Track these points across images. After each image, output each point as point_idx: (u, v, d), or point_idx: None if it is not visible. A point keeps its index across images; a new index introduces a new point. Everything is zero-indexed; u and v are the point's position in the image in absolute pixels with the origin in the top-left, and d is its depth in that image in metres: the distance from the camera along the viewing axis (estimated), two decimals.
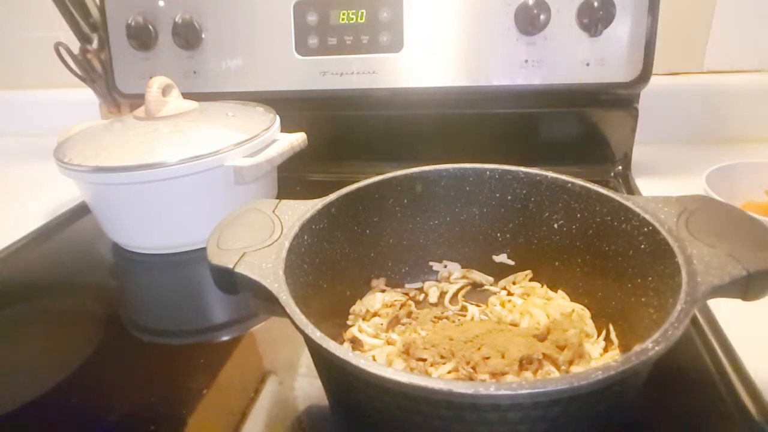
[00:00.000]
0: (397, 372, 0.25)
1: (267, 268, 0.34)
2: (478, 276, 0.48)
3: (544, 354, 0.35)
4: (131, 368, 0.45)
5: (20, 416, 0.40)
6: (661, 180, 0.71)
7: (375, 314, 0.44)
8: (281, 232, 0.38)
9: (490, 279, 0.48)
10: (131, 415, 0.39)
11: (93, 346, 0.48)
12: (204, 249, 0.36)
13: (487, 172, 0.45)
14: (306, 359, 0.42)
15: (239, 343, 0.46)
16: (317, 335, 0.28)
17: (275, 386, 0.40)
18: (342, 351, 0.27)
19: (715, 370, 0.39)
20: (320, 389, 0.39)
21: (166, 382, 0.42)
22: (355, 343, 0.41)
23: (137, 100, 0.70)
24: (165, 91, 0.62)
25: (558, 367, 0.35)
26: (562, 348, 0.36)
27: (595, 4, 0.63)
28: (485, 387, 0.24)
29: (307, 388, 0.40)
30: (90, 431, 0.39)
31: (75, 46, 0.84)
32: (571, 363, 0.35)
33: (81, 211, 0.71)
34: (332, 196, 0.42)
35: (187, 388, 0.41)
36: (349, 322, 0.44)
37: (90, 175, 0.56)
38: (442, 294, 0.47)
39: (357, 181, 0.44)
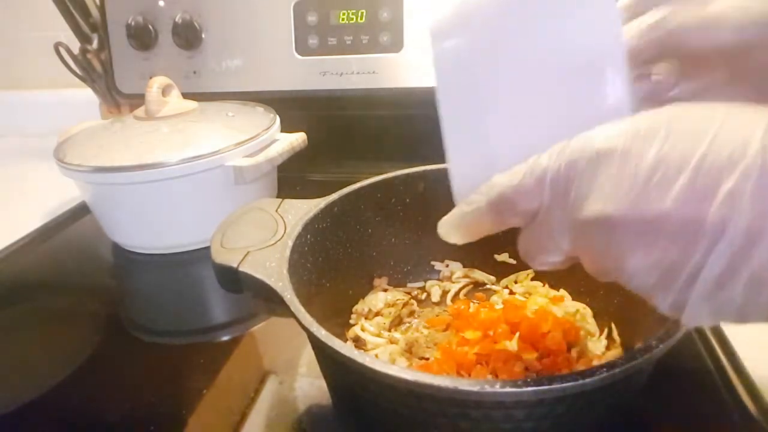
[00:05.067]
0: (403, 369, 0.25)
1: (271, 267, 0.34)
2: (479, 275, 0.48)
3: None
4: (131, 368, 0.45)
5: (20, 416, 0.40)
6: None
7: (377, 313, 0.44)
8: (284, 231, 0.38)
9: (492, 278, 0.48)
10: (131, 415, 0.39)
11: (93, 346, 0.47)
12: (204, 249, 0.36)
13: None
14: (306, 359, 0.42)
15: (239, 343, 0.46)
16: (322, 333, 0.28)
17: (275, 386, 0.40)
18: (347, 349, 0.27)
19: (715, 370, 0.39)
20: (320, 389, 0.39)
21: (166, 382, 0.42)
22: (358, 342, 0.41)
23: (137, 100, 0.70)
24: (165, 91, 0.62)
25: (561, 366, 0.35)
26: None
27: None
28: (490, 384, 0.24)
29: (307, 388, 0.40)
30: (90, 431, 0.39)
31: (75, 46, 0.84)
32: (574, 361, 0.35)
33: (81, 211, 0.70)
34: (335, 196, 0.42)
35: (187, 388, 0.41)
36: (351, 321, 0.44)
37: (90, 175, 0.56)
38: (445, 293, 0.47)
39: (357, 181, 0.44)
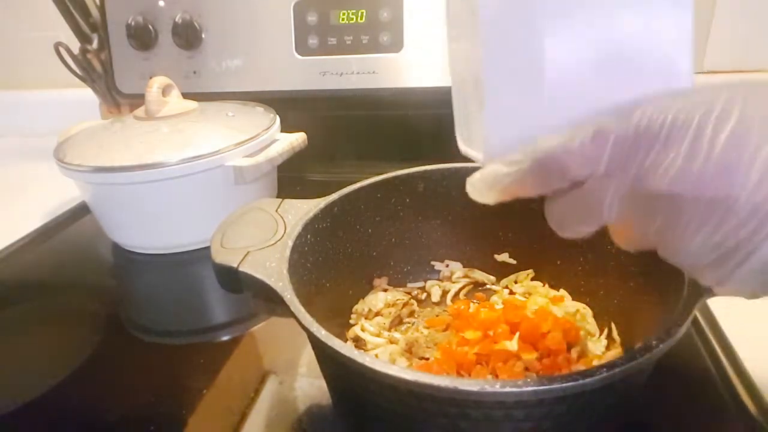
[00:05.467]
0: (403, 369, 0.25)
1: (271, 267, 0.34)
2: (479, 275, 0.48)
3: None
4: (131, 368, 0.45)
5: (20, 416, 0.40)
6: None
7: (377, 313, 0.44)
8: (284, 231, 0.38)
9: (492, 278, 0.48)
10: (131, 415, 0.39)
11: (93, 346, 0.47)
12: (204, 249, 0.36)
13: None
14: (306, 359, 0.42)
15: (239, 343, 0.46)
16: (322, 333, 0.28)
17: (275, 386, 0.40)
18: (347, 349, 0.27)
19: (715, 370, 0.39)
20: (320, 389, 0.39)
21: (166, 382, 0.42)
22: (358, 342, 0.41)
23: (137, 100, 0.70)
24: (165, 91, 0.62)
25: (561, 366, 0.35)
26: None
27: None
28: (491, 384, 0.24)
29: (307, 388, 0.40)
30: (90, 431, 0.39)
31: (75, 46, 0.84)
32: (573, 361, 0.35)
33: (81, 211, 0.70)
34: (335, 196, 0.42)
35: (187, 388, 0.41)
36: (351, 321, 0.44)
37: (90, 175, 0.56)
38: (444, 293, 0.47)
39: (357, 181, 0.44)
